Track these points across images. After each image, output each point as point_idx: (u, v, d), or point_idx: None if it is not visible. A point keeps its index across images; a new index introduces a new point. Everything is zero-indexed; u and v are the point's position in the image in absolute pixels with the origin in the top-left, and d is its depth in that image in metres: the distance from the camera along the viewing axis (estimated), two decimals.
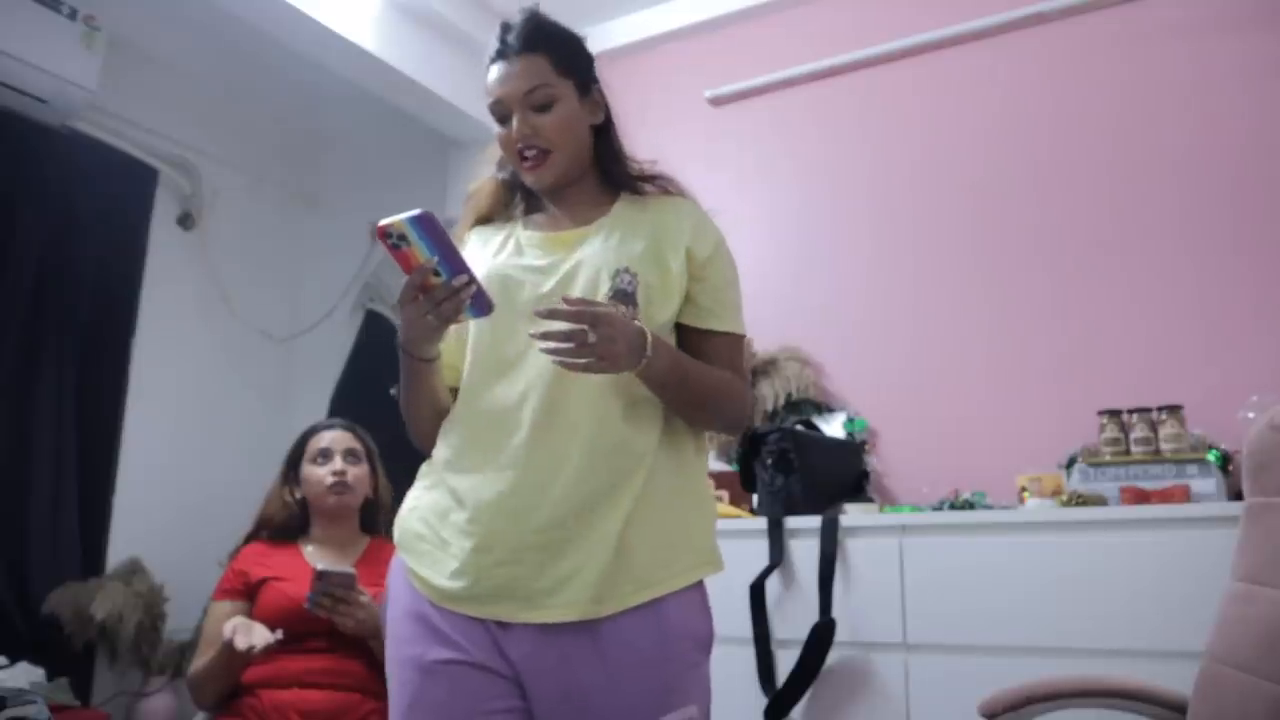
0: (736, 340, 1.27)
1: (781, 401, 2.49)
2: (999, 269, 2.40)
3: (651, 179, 1.33)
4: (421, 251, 1.04)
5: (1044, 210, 2.38)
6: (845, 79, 2.74)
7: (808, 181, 2.74)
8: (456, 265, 1.06)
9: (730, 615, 2.00)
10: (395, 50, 2.83)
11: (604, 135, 1.32)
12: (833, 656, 1.90)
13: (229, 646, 1.68)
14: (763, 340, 2.60)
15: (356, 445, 2.05)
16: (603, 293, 1.17)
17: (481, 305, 1.09)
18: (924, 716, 1.83)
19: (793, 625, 1.95)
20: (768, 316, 2.65)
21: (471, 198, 1.40)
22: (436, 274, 1.06)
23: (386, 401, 3.07)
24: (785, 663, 1.93)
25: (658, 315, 1.20)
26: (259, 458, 3.33)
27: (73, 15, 2.60)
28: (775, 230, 2.74)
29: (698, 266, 1.24)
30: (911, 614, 1.88)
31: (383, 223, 1.03)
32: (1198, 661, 1.48)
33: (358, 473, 1.99)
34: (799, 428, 2.31)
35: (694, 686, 1.15)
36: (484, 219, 1.36)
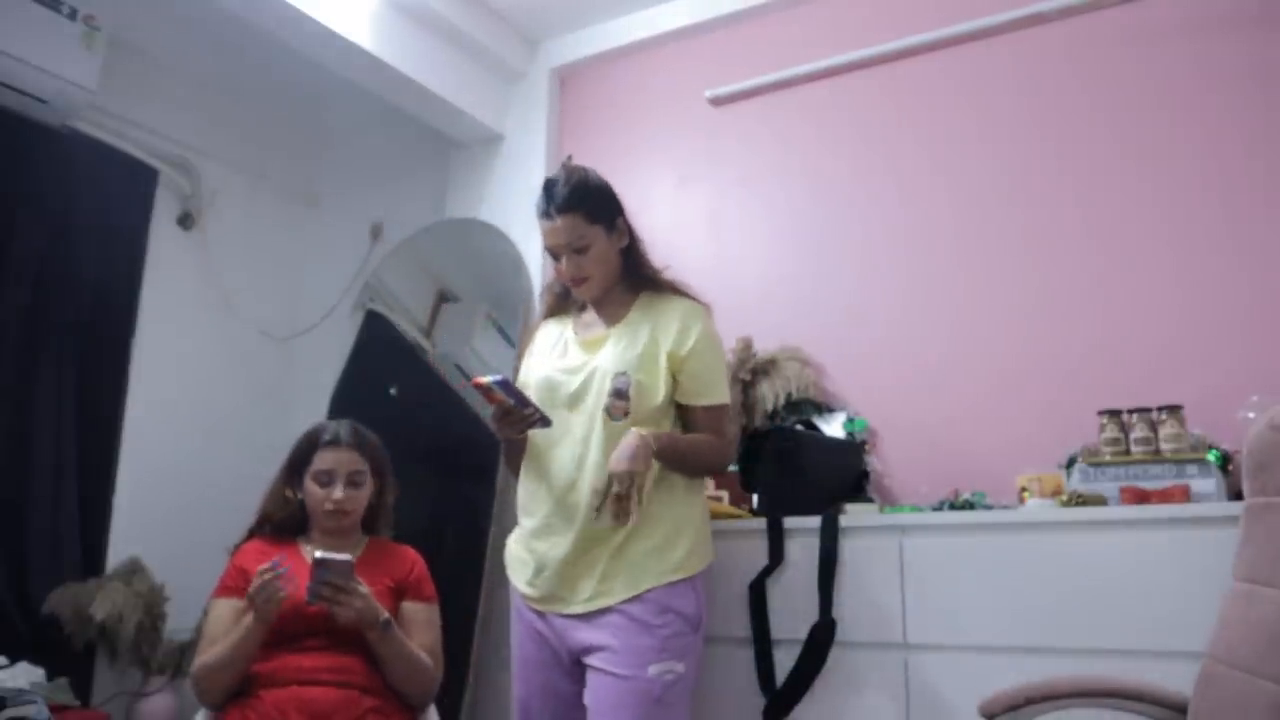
0: (716, 409, 1.79)
1: (781, 401, 2.49)
2: (999, 269, 2.40)
3: (663, 282, 1.84)
4: (503, 396, 1.61)
5: (1043, 210, 2.38)
6: (844, 79, 2.74)
7: (808, 182, 2.74)
8: (524, 402, 1.65)
9: (730, 615, 2.00)
10: (395, 50, 2.83)
11: (629, 252, 1.83)
12: (833, 656, 1.90)
13: (252, 599, 1.72)
14: (763, 340, 2.60)
15: (361, 467, 1.99)
16: (606, 389, 1.71)
17: (545, 421, 1.69)
18: (924, 716, 1.83)
19: (792, 625, 1.95)
20: (768, 316, 2.66)
21: (544, 296, 2.00)
22: (513, 406, 1.64)
23: (386, 401, 3.09)
24: (785, 663, 1.93)
25: (648, 403, 1.72)
26: (259, 458, 3.32)
27: (73, 15, 2.60)
28: (775, 230, 2.74)
29: (678, 362, 1.75)
30: (911, 614, 1.88)
31: (477, 380, 1.60)
32: (1198, 661, 1.48)
33: (359, 495, 1.97)
34: (799, 428, 2.31)
35: (683, 650, 1.66)
36: (551, 314, 1.95)
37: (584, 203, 1.74)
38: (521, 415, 1.66)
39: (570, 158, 1.88)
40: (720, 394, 1.78)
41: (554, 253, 1.78)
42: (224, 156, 3.39)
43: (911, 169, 2.59)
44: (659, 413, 1.74)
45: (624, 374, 1.72)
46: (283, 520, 1.97)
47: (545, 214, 1.75)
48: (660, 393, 1.72)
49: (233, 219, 3.41)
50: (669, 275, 1.86)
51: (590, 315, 1.87)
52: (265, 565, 1.75)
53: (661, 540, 1.69)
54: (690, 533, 1.73)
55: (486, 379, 1.58)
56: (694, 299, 1.82)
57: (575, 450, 1.72)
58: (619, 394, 1.70)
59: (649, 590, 1.65)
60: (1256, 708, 1.32)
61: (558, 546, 1.71)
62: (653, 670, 1.61)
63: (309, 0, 2.55)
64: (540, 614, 1.76)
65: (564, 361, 1.82)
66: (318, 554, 1.73)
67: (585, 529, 1.68)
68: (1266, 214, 2.14)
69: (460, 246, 3.23)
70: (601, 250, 1.77)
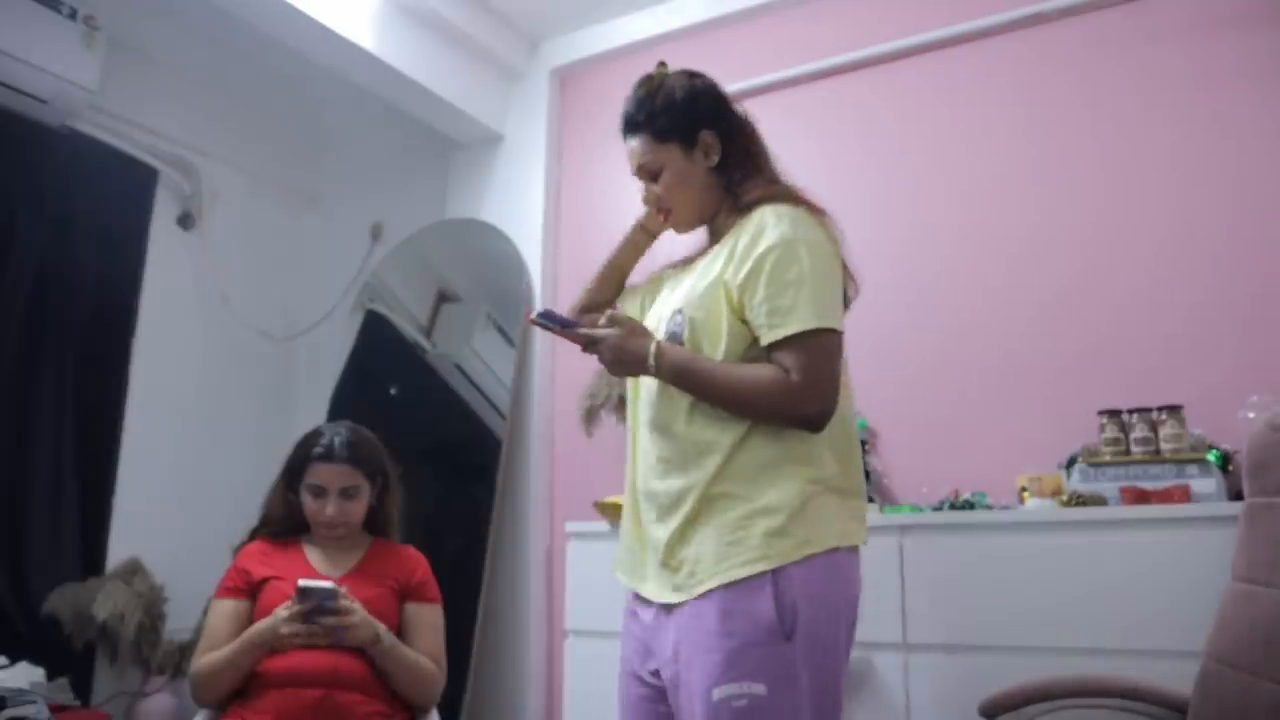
0: (791, 342, 1.31)
1: None
2: (999, 268, 2.40)
3: (756, 197, 1.45)
4: (555, 327, 1.43)
5: (1043, 209, 2.38)
6: (843, 79, 2.74)
7: (807, 181, 2.72)
8: (566, 324, 1.44)
9: None
10: (395, 50, 2.83)
11: (726, 169, 1.50)
12: None
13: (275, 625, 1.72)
14: None
15: (355, 481, 1.93)
16: (662, 332, 1.42)
17: (593, 342, 1.43)
18: (924, 716, 1.83)
19: None
20: None
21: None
22: (562, 332, 1.44)
23: (387, 401, 3.09)
24: None
25: (708, 350, 1.36)
26: (259, 458, 3.32)
27: (73, 15, 2.60)
28: None
29: (736, 292, 1.35)
30: (911, 614, 1.88)
31: (530, 318, 1.43)
32: (1198, 661, 1.48)
33: (353, 508, 1.94)
34: None
35: (763, 666, 1.26)
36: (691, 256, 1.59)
37: (650, 121, 1.48)
38: (579, 340, 1.42)
39: (662, 64, 1.58)
40: (798, 320, 1.31)
41: (636, 177, 1.54)
42: (224, 156, 3.39)
43: (911, 168, 2.59)
44: (734, 359, 1.37)
45: (679, 311, 1.41)
46: (285, 521, 1.97)
47: (622, 136, 1.54)
48: (720, 337, 1.36)
49: (233, 219, 3.41)
50: (770, 185, 1.50)
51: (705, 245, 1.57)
52: (302, 609, 1.73)
53: (733, 520, 1.31)
54: (780, 505, 1.30)
55: (534, 314, 1.44)
56: (786, 201, 1.43)
57: (642, 410, 1.46)
58: (673, 337, 1.40)
59: (715, 589, 1.29)
60: (1256, 708, 1.32)
61: (635, 519, 1.46)
62: (718, 694, 1.25)
63: (309, 1, 2.55)
64: (635, 613, 1.46)
65: (661, 300, 1.56)
66: (301, 582, 1.73)
67: (645, 502, 1.41)
68: (1267, 213, 2.14)
69: (460, 246, 3.24)
70: (678, 172, 1.48)
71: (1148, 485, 1.86)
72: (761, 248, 1.34)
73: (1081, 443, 2.05)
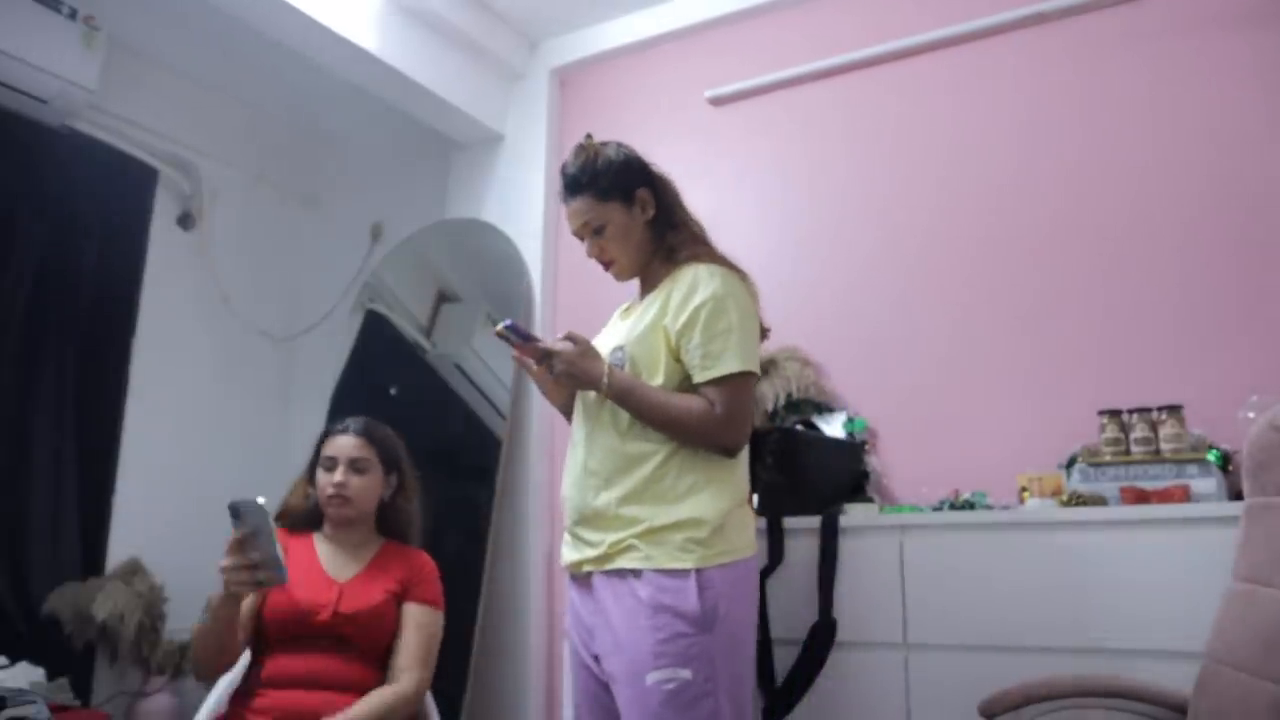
0: (719, 382, 1.56)
1: (781, 401, 2.49)
2: (999, 268, 2.40)
3: (686, 253, 1.68)
4: (518, 340, 1.60)
5: (1043, 209, 2.38)
6: (845, 79, 2.74)
7: (808, 181, 2.74)
8: (527, 338, 1.61)
9: None
10: (396, 50, 2.83)
11: (658, 223, 1.71)
12: (833, 656, 1.90)
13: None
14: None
15: (365, 454, 1.93)
16: (608, 363, 1.61)
17: (547, 356, 1.62)
18: (924, 716, 1.83)
19: (792, 625, 1.95)
20: (768, 316, 2.64)
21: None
22: (522, 345, 1.62)
23: (387, 401, 3.09)
24: (785, 662, 1.93)
25: (647, 380, 1.59)
26: (259, 457, 3.34)
27: (73, 15, 2.60)
28: (775, 230, 2.74)
29: (675, 337, 1.59)
30: (911, 614, 1.88)
31: (496, 329, 1.59)
32: (1198, 661, 1.48)
33: (361, 483, 1.92)
34: (799, 428, 2.31)
35: (688, 654, 1.46)
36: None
37: (593, 182, 1.67)
38: (538, 353, 1.61)
39: (589, 136, 1.76)
40: (726, 364, 1.55)
41: (578, 236, 1.72)
42: (224, 156, 3.39)
43: (911, 168, 2.59)
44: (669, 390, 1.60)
45: (620, 348, 1.64)
46: (301, 514, 1.98)
47: (563, 199, 1.72)
48: (658, 372, 1.59)
49: (232, 219, 3.41)
50: (699, 245, 1.71)
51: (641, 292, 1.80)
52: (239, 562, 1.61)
53: (660, 526, 1.53)
54: (705, 519, 1.53)
55: (500, 325, 1.58)
56: (714, 262, 1.65)
57: (584, 429, 1.67)
58: (616, 368, 1.62)
59: (641, 571, 1.51)
60: (1256, 708, 1.32)
61: (572, 504, 1.66)
62: (651, 679, 1.46)
63: (309, 1, 2.55)
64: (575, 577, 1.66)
65: (601, 339, 1.78)
66: (230, 502, 1.60)
67: (588, 508, 1.60)
68: (1267, 213, 2.14)
69: (460, 246, 3.24)
70: (620, 227, 1.68)
71: (1148, 485, 1.86)
72: (697, 301, 1.57)
73: (1081, 443, 2.05)
